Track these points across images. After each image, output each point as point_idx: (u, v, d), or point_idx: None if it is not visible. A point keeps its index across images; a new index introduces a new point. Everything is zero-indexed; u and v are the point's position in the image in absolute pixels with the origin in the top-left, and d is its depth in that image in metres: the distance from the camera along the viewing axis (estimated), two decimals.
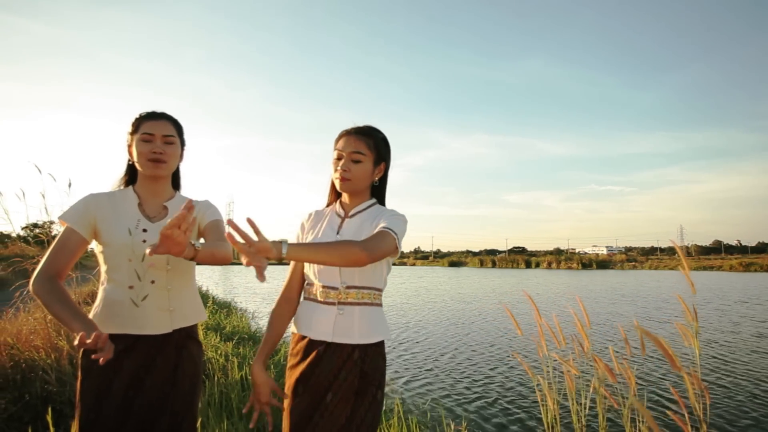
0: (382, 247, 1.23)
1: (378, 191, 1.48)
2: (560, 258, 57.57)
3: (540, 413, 4.25)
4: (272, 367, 4.12)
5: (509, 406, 4.61)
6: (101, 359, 1.13)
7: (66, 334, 3.28)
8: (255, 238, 1.02)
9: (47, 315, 3.37)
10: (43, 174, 3.03)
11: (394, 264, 1.50)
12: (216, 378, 3.50)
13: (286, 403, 1.33)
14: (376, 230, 1.29)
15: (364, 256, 1.17)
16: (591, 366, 1.83)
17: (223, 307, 9.01)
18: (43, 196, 3.14)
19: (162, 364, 1.37)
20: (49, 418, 2.10)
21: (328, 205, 1.52)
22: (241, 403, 3.00)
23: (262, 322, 8.58)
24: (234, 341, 5.27)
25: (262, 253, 1.03)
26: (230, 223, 1.01)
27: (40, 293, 1.27)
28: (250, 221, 1.03)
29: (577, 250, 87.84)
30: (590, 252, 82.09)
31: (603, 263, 54.51)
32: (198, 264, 1.37)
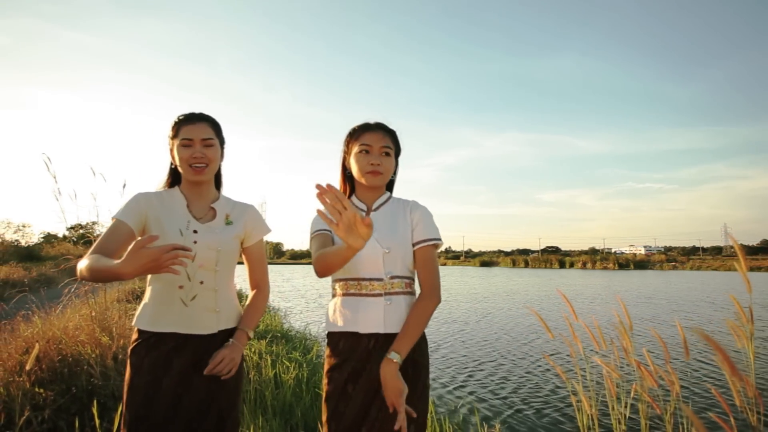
0: (438, 274, 1.36)
1: (389, 185, 1.52)
2: (595, 258, 56.03)
3: (575, 416, 4.15)
4: (305, 365, 4.17)
5: (544, 409, 4.51)
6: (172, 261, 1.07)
7: (109, 330, 3.42)
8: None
9: (93, 311, 3.51)
10: (96, 176, 3.16)
11: None
12: (251, 376, 3.57)
13: (332, 405, 1.30)
14: (423, 245, 1.37)
15: (439, 299, 1.34)
16: (630, 368, 1.78)
17: None
18: (95, 197, 3.27)
19: (208, 363, 1.39)
20: (94, 410, 2.19)
21: None
22: (275, 400, 3.05)
23: (293, 321, 8.71)
24: (267, 339, 5.36)
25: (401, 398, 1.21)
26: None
27: (86, 265, 1.21)
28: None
29: (613, 250, 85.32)
30: (627, 252, 79.57)
31: (641, 263, 52.69)
32: None
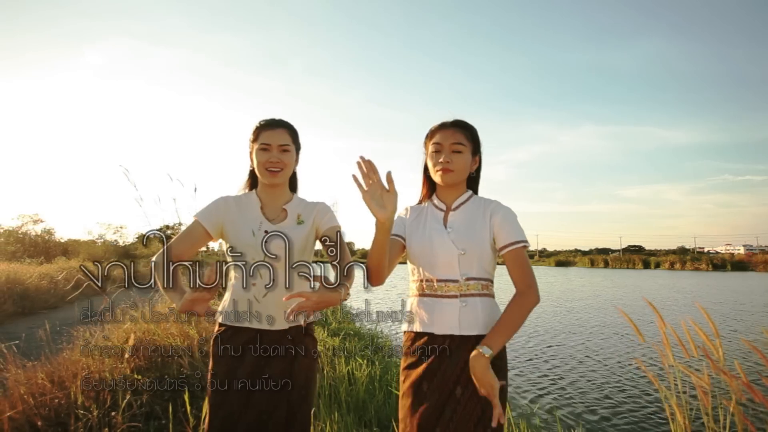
0: (531, 272, 1.32)
1: (472, 183, 1.48)
2: (685, 258, 51.58)
3: (659, 426, 3.86)
4: (377, 362, 4.22)
5: (628, 417, 4.24)
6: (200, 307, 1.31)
7: (195, 324, 3.67)
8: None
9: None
10: (173, 181, 3.44)
11: (498, 263, 1.48)
12: (325, 371, 3.68)
13: (407, 402, 1.31)
14: (510, 248, 1.33)
15: (537, 298, 1.29)
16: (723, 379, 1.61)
17: None
18: (175, 200, 3.57)
19: (279, 357, 1.46)
20: (185, 397, 2.36)
21: (420, 202, 1.52)
22: (349, 396, 3.11)
23: (365, 320, 8.85)
24: (340, 337, 5.50)
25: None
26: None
27: (155, 267, 1.44)
28: None
29: (706, 249, 78.20)
30: (723, 251, 72.56)
31: (740, 264, 47.56)
32: None
